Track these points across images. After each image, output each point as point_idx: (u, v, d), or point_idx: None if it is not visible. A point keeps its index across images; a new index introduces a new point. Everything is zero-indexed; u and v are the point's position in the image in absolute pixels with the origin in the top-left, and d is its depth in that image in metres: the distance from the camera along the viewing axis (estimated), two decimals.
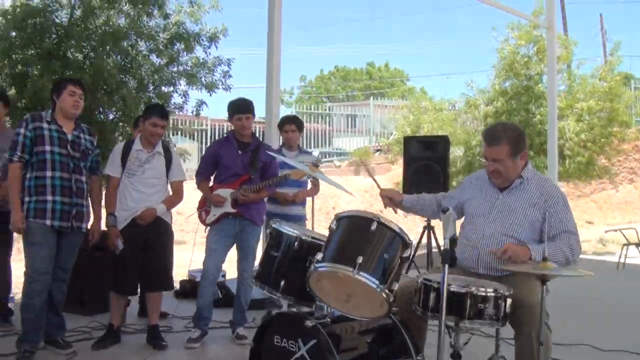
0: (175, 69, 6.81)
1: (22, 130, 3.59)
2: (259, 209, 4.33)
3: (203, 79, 6.79)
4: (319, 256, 2.52)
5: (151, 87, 6.54)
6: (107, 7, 6.35)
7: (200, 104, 6.85)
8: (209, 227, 4.27)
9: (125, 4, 6.37)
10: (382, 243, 2.46)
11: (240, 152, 4.26)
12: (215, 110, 15.66)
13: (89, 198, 3.89)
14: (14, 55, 5.86)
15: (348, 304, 2.62)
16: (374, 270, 2.38)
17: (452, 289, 2.44)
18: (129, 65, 6.43)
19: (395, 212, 3.33)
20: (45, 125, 3.63)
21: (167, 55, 6.60)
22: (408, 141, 7.08)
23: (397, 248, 2.48)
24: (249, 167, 4.21)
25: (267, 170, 4.29)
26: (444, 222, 2.39)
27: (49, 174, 3.59)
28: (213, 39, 6.76)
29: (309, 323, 2.45)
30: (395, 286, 2.46)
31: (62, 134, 3.68)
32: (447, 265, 2.30)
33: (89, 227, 3.89)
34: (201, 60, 6.79)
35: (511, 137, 2.82)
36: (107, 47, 6.06)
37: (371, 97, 23.17)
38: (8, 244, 4.33)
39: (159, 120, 4.00)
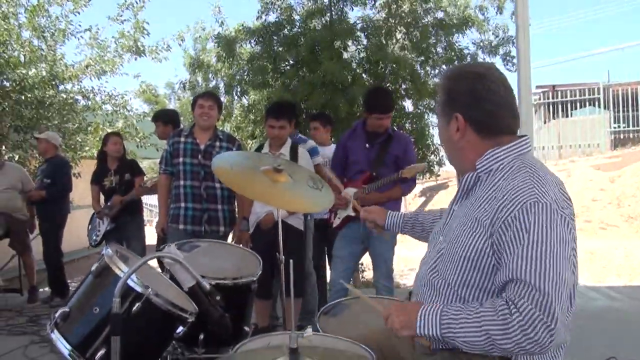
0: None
1: (166, 146, 4.09)
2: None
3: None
4: None
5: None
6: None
7: None
8: None
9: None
10: (98, 292, 1.87)
11: (367, 145, 3.80)
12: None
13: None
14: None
15: None
16: (73, 329, 1.83)
17: None
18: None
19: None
20: (182, 139, 4.03)
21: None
22: None
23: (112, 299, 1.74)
24: (374, 163, 3.74)
25: (404, 165, 3.63)
26: None
27: (182, 182, 3.98)
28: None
29: None
30: (101, 352, 1.76)
31: (195, 145, 4.01)
32: None
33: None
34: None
35: (448, 80, 1.64)
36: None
37: None
38: None
39: (273, 121, 3.90)
